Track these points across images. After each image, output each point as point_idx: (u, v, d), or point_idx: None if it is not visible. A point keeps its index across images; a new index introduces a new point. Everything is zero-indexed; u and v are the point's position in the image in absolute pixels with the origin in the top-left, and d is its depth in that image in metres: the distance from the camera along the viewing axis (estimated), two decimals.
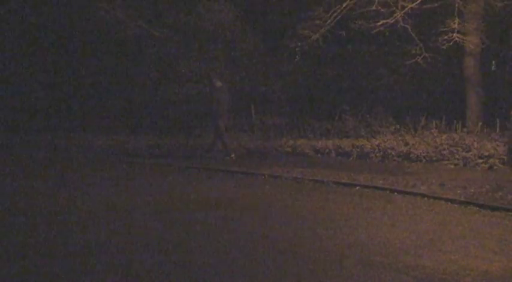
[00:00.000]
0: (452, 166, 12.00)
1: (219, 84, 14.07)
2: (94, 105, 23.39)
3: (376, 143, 13.91)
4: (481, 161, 11.71)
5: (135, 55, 21.18)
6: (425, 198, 8.59)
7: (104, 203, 8.43)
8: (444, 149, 12.72)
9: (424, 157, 12.54)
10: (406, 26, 16.05)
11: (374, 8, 15.86)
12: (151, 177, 11.46)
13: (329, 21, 16.79)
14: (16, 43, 24.78)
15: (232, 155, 13.69)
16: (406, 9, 15.86)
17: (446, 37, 15.63)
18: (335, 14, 16.67)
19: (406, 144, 13.60)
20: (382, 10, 15.91)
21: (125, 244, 6.05)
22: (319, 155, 14.09)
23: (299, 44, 17.42)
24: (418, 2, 15.78)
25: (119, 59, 21.55)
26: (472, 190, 8.91)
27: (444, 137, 13.84)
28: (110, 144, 17.78)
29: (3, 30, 24.49)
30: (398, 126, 15.78)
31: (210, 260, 5.42)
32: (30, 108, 25.28)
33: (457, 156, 12.26)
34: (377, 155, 13.28)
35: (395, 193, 9.07)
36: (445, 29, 15.74)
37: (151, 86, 20.57)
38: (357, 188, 9.63)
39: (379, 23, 16.04)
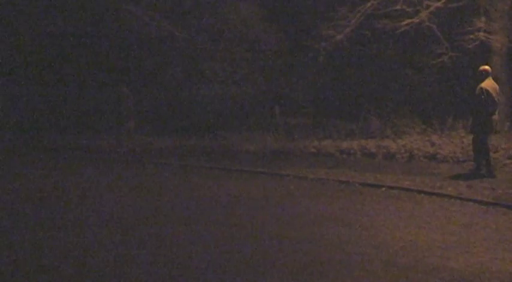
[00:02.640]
0: None
1: None
2: (119, 106, 23.56)
3: (402, 143, 13.78)
4: (509, 161, 11.53)
5: (159, 56, 21.32)
6: (453, 199, 8.51)
7: (130, 204, 8.52)
8: (472, 150, 12.55)
9: (451, 158, 12.38)
10: (431, 25, 15.89)
11: (399, 7, 15.72)
12: (176, 178, 11.53)
13: (353, 21, 16.68)
14: (43, 44, 25.12)
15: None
16: (431, 8, 15.70)
17: (472, 36, 15.42)
18: (359, 14, 16.56)
19: (433, 144, 13.45)
20: (407, 9, 15.78)
21: (163, 241, 6.12)
22: (344, 155, 14.00)
23: (323, 44, 17.34)
24: (443, 1, 15.60)
25: (144, 61, 21.70)
26: (500, 191, 8.81)
27: (472, 137, 13.65)
28: (135, 144, 17.93)
29: (31, 32, 24.86)
30: (424, 126, 15.61)
31: (233, 259, 5.44)
32: (59, 108, 25.60)
33: None
34: (403, 155, 13.16)
35: (422, 194, 8.99)
36: (471, 28, 15.54)
37: (176, 87, 20.68)
38: (383, 189, 9.57)
39: (404, 23, 15.89)
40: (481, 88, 10.08)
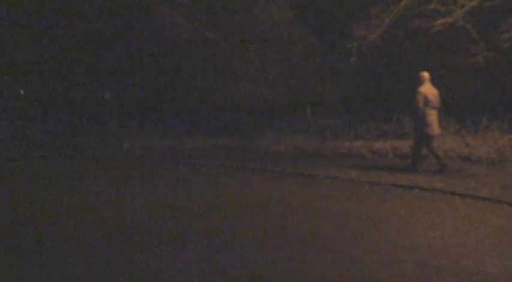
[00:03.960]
0: None
1: None
2: (152, 107, 23.84)
3: (436, 144, 13.59)
4: None
5: (191, 57, 21.45)
6: (487, 202, 8.33)
7: (163, 204, 8.59)
8: (507, 151, 12.31)
9: (486, 159, 12.17)
10: (466, 24, 15.66)
11: (432, 6, 15.54)
12: (207, 178, 11.57)
13: (386, 20, 16.55)
14: (76, 46, 25.54)
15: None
16: (466, 7, 15.47)
17: (508, 35, 15.15)
18: (392, 14, 16.42)
19: (467, 145, 13.25)
20: (440, 9, 15.58)
21: (200, 240, 6.14)
22: (376, 156, 13.89)
23: (355, 44, 17.24)
24: None
25: (176, 61, 21.87)
26: None
27: (507, 138, 13.41)
28: (167, 145, 18.10)
29: (64, 35, 25.30)
30: (458, 127, 15.37)
31: (263, 260, 5.43)
32: (90, 109, 25.98)
33: None
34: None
35: (455, 196, 8.82)
36: (506, 27, 15.26)
37: (208, 88, 20.78)
38: (416, 190, 9.43)
39: (438, 22, 15.70)
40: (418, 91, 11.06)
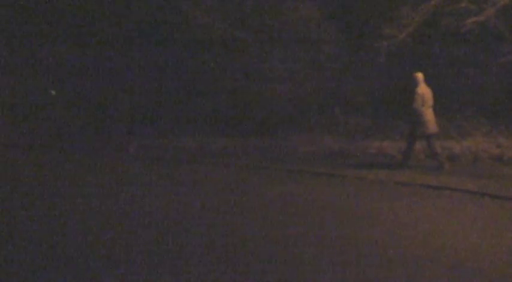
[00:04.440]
0: None
1: None
2: (181, 107, 24.00)
3: (467, 144, 13.43)
4: None
5: (221, 57, 21.52)
6: None
7: (193, 203, 8.64)
8: None
9: None
10: (497, 23, 15.42)
11: (463, 5, 15.35)
12: (236, 178, 11.61)
13: (416, 19, 16.39)
14: (105, 46, 25.85)
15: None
16: (498, 5, 15.23)
17: None
18: (422, 12, 16.25)
19: (499, 146, 13.06)
20: (472, 7, 15.37)
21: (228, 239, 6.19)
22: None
23: (385, 43, 17.10)
24: None
25: (206, 62, 21.97)
26: None
27: None
28: (195, 144, 18.20)
29: (94, 35, 25.63)
30: (490, 127, 15.15)
31: (293, 260, 5.43)
32: (120, 109, 26.28)
33: None
34: (467, 157, 12.83)
35: (486, 197, 8.71)
36: None
37: (237, 87, 20.83)
38: (446, 191, 9.33)
39: (468, 21, 15.49)
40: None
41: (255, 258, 5.61)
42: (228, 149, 16.77)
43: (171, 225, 7.13)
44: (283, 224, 7.12)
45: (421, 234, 6.47)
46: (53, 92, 35.29)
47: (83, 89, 28.68)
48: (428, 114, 11.51)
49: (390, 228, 6.84)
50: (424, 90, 11.62)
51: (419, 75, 11.81)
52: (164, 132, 22.06)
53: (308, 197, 9.08)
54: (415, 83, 11.73)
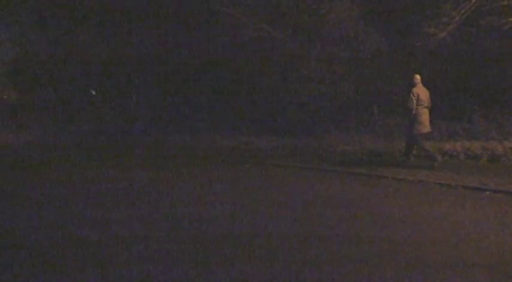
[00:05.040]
0: None
1: None
2: (220, 107, 24.16)
3: (509, 145, 13.14)
4: None
5: (258, 57, 21.56)
6: None
7: (230, 202, 8.67)
8: None
9: None
10: None
11: (505, 3, 15.02)
12: (272, 178, 11.60)
13: (457, 18, 16.12)
14: (141, 47, 26.22)
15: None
16: None
17: None
18: (463, 11, 15.97)
19: None
20: None
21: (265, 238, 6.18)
22: (446, 157, 13.54)
23: (425, 42, 16.87)
24: None
25: (243, 62, 22.04)
26: None
27: None
28: (235, 144, 18.30)
29: (133, 36, 26.02)
30: None
31: (331, 260, 5.39)
32: (163, 109, 26.63)
33: None
34: (510, 158, 12.55)
35: None
36: None
37: (274, 87, 20.84)
38: (487, 192, 9.13)
39: (511, 19, 15.15)
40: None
41: (291, 256, 5.58)
42: (265, 149, 16.79)
43: (210, 224, 7.15)
44: (318, 224, 7.07)
45: (460, 236, 6.34)
46: (93, 92, 35.93)
47: (123, 88, 29.14)
48: (424, 114, 11.95)
49: (427, 229, 6.72)
50: (420, 90, 11.99)
51: (417, 77, 12.15)
52: (202, 132, 22.23)
53: (345, 197, 9.00)
54: (412, 84, 12.11)
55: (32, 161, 16.48)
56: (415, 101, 11.86)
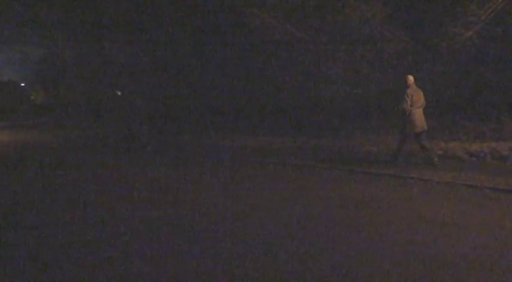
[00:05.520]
0: None
1: None
2: (244, 107, 24.20)
3: None
4: None
5: (282, 58, 21.56)
6: None
7: (249, 203, 8.68)
8: None
9: None
10: None
11: None
12: (294, 178, 11.59)
13: (483, 17, 15.95)
14: (169, 47, 26.39)
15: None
16: None
17: None
18: (490, 10, 15.79)
19: None
20: None
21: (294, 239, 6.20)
22: (473, 158, 13.38)
23: (451, 42, 16.73)
24: None
25: (267, 62, 22.06)
26: None
27: None
28: (256, 144, 18.30)
29: (159, 36, 26.20)
30: None
31: (358, 263, 5.38)
32: (185, 110, 26.75)
33: None
34: None
35: None
36: None
37: (298, 88, 20.82)
38: None
39: None
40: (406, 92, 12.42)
41: (314, 258, 5.59)
42: (289, 149, 16.76)
43: (236, 224, 7.18)
44: (342, 225, 7.05)
45: (486, 238, 6.28)
46: (119, 93, 36.27)
47: (149, 89, 29.34)
48: (417, 114, 12.38)
49: (454, 231, 6.65)
50: (413, 91, 12.43)
51: (411, 78, 12.56)
52: (225, 132, 22.28)
53: (369, 198, 8.95)
54: (405, 85, 12.55)
55: (59, 160, 16.67)
56: (409, 102, 12.31)
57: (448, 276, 5.06)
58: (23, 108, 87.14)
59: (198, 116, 25.87)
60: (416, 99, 12.38)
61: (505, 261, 5.42)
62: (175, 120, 27.05)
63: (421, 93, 12.58)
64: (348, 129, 18.89)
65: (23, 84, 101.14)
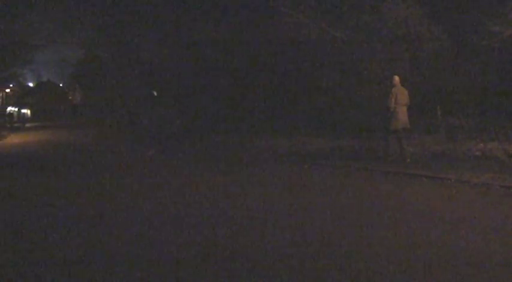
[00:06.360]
0: None
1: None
2: (279, 108, 24.16)
3: None
4: None
5: (317, 57, 21.45)
6: None
7: (287, 204, 8.68)
8: None
9: None
10: None
11: None
12: (329, 179, 11.54)
13: None
14: (203, 48, 26.53)
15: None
16: None
17: None
18: None
19: None
20: None
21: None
22: None
23: (489, 41, 16.42)
24: None
25: (302, 62, 21.97)
26: None
27: None
28: (292, 145, 18.26)
29: (193, 37, 26.37)
30: None
31: (390, 265, 5.33)
32: (221, 111, 26.86)
33: None
34: None
35: None
36: None
37: (333, 88, 20.68)
38: None
39: None
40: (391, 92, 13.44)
41: (347, 258, 5.55)
42: (324, 150, 16.68)
43: (272, 224, 7.19)
44: (378, 226, 6.97)
45: None
46: (155, 93, 36.63)
47: (183, 90, 29.55)
48: (400, 112, 13.31)
49: (491, 234, 6.51)
50: (398, 90, 13.40)
51: (396, 78, 13.56)
52: (259, 133, 22.28)
53: (406, 199, 8.85)
54: (391, 84, 13.65)
55: (99, 159, 16.96)
56: (393, 100, 13.25)
57: (485, 276, 4.97)
58: (62, 108, 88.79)
59: (233, 117, 25.94)
60: (400, 98, 13.30)
61: None
62: (211, 121, 27.18)
63: (405, 93, 13.55)
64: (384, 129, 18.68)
65: (61, 85, 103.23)
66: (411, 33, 18.95)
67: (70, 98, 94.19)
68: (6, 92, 52.69)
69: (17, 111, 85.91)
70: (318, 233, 6.70)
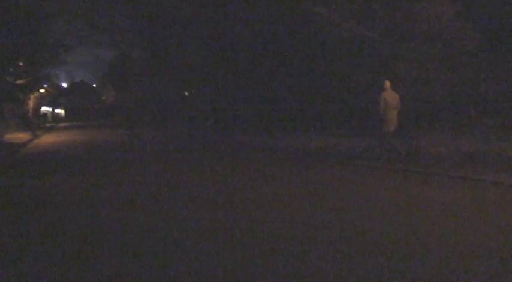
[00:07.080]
0: None
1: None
2: (310, 108, 24.15)
3: None
4: None
5: (349, 57, 21.37)
6: None
7: (314, 203, 8.68)
8: None
9: None
10: None
11: None
12: (360, 179, 11.50)
13: None
14: (236, 49, 26.63)
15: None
16: None
17: None
18: None
19: None
20: None
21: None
22: None
23: None
24: None
25: (334, 62, 21.92)
26: None
27: None
28: (323, 145, 18.24)
29: (227, 38, 26.48)
30: None
31: (423, 268, 5.32)
32: (252, 112, 26.93)
33: None
34: None
35: None
36: None
37: (365, 88, 20.59)
38: None
39: None
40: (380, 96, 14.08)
41: (376, 259, 5.55)
42: (355, 150, 16.63)
43: (301, 223, 7.21)
44: (408, 227, 6.94)
45: None
46: (186, 93, 36.88)
47: (215, 91, 29.73)
48: (389, 115, 13.91)
49: None
50: (388, 94, 13.97)
51: (387, 83, 14.18)
52: (291, 133, 22.30)
53: (438, 202, 8.78)
54: (382, 89, 14.21)
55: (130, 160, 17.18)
56: (382, 104, 13.88)
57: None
58: (95, 109, 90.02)
59: (265, 116, 26.01)
60: (390, 101, 13.89)
61: None
62: (242, 120, 27.30)
63: (396, 97, 14.04)
64: (417, 128, 18.55)
65: (94, 85, 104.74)
66: (443, 32, 18.76)
67: (103, 98, 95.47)
68: (41, 93, 53.65)
69: (51, 111, 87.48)
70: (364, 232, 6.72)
